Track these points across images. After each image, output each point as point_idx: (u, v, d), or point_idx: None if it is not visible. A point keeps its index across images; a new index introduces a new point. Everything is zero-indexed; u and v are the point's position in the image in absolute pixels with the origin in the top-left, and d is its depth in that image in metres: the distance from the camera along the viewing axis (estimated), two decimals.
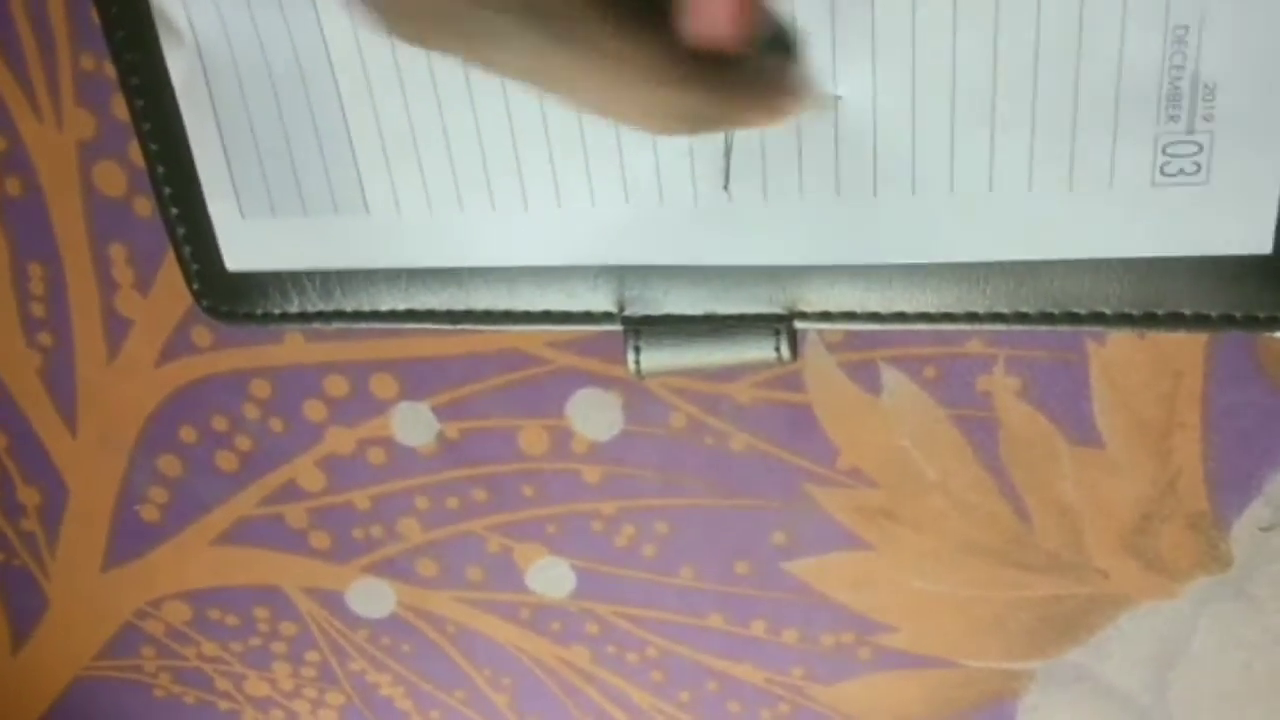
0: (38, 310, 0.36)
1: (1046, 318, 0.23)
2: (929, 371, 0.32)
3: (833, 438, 0.33)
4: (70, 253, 0.35)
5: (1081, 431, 0.32)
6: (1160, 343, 0.30)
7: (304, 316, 0.27)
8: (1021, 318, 0.24)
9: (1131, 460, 0.32)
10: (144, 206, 0.33)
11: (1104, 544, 0.33)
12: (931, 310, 0.24)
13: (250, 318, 0.27)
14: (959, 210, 0.22)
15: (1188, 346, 0.30)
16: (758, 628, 0.37)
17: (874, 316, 0.24)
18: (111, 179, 0.33)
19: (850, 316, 0.24)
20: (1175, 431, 0.31)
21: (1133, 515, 0.32)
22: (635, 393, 0.34)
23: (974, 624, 0.35)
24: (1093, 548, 0.33)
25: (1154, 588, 0.34)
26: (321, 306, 0.27)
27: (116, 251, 0.34)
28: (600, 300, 0.26)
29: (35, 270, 0.36)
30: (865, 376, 0.32)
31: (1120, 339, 0.30)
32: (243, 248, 0.26)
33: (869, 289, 0.24)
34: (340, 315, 0.27)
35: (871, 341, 0.32)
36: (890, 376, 0.32)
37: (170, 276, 0.34)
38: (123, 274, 0.35)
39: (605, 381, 0.34)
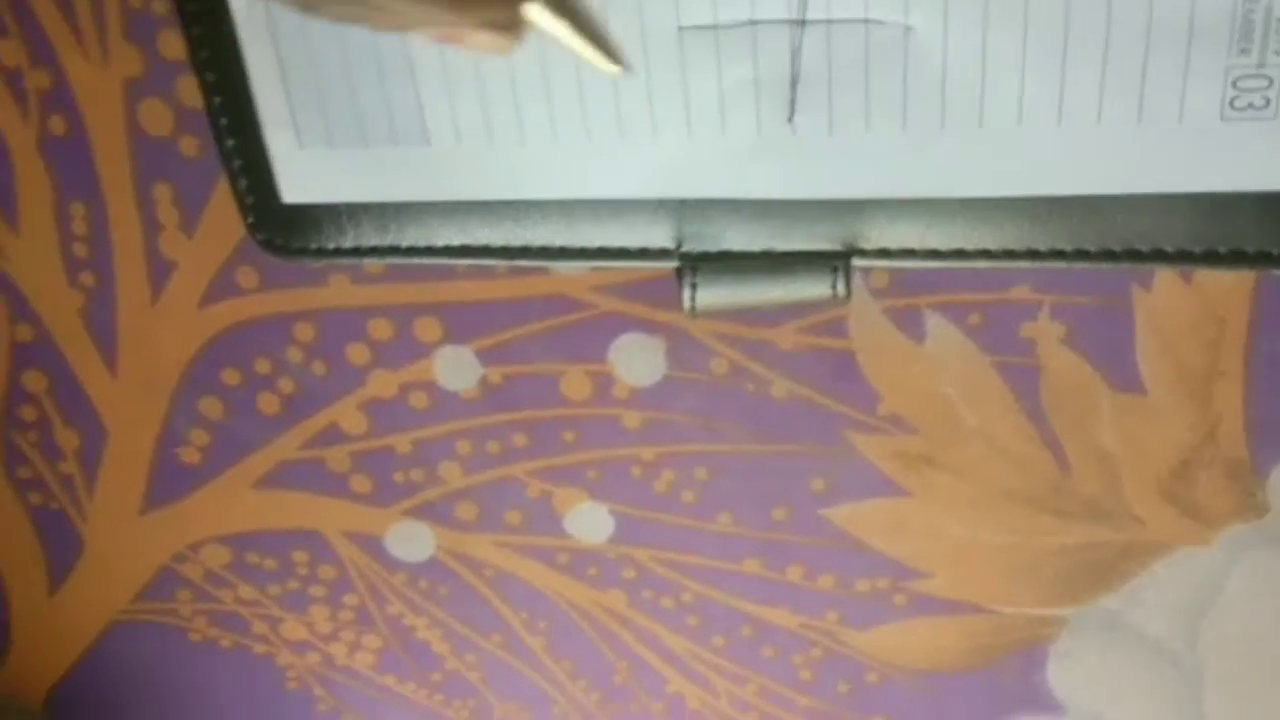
0: (80, 250, 0.36)
1: (1108, 255, 0.24)
2: (974, 318, 0.32)
3: (874, 384, 0.34)
4: (114, 193, 0.35)
5: (1124, 378, 0.32)
6: (1206, 289, 0.30)
7: (358, 251, 0.27)
8: (1082, 255, 0.24)
9: (1172, 407, 0.32)
10: (190, 146, 0.33)
11: (1141, 491, 0.33)
12: (992, 247, 0.24)
13: (304, 252, 0.27)
14: (1027, 144, 0.22)
15: (1233, 293, 0.30)
16: (794, 573, 0.38)
17: (933, 254, 0.24)
18: (158, 118, 0.33)
19: (909, 254, 0.25)
20: (1217, 379, 0.31)
21: (1171, 462, 0.33)
22: (678, 338, 0.34)
23: (1009, 570, 0.36)
24: (1130, 495, 0.34)
25: (1189, 534, 0.34)
26: (376, 241, 0.27)
27: (161, 192, 0.35)
28: (658, 236, 0.26)
29: (78, 210, 0.36)
30: (909, 323, 0.32)
31: (1167, 285, 0.30)
32: (300, 179, 0.26)
33: (930, 225, 0.24)
34: (395, 250, 0.27)
35: (917, 288, 0.32)
36: (934, 323, 0.32)
37: (215, 218, 0.35)
38: (167, 215, 0.35)
39: (649, 326, 0.34)
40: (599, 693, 0.42)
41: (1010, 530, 0.35)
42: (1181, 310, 0.30)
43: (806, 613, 0.38)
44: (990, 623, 0.37)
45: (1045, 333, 0.31)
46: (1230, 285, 0.30)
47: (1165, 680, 0.36)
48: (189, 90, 0.33)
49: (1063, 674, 0.37)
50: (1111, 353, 0.31)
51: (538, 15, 0.19)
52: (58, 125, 0.34)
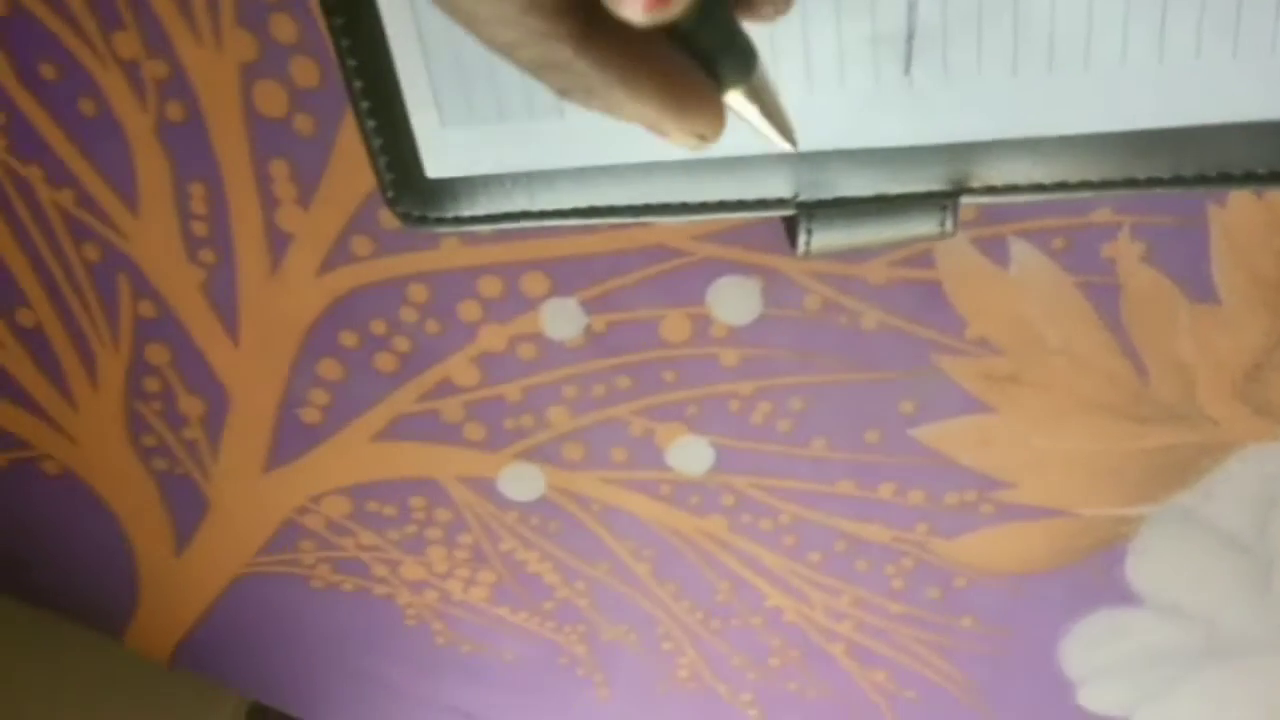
0: (199, 229, 0.38)
1: (1202, 180, 0.26)
2: (1057, 242, 0.34)
3: (961, 310, 0.36)
4: (231, 172, 0.37)
5: (1200, 290, 0.34)
6: (1277, 204, 0.32)
7: (491, 218, 0.29)
8: (1178, 181, 0.26)
9: (1246, 315, 0.34)
10: (305, 125, 0.35)
11: (1216, 394, 0.36)
12: (1093, 178, 0.26)
13: (442, 221, 0.29)
14: (1129, 81, 0.24)
15: None
16: (885, 491, 0.40)
17: (1038, 187, 0.26)
18: (272, 99, 0.35)
19: (1014, 189, 0.27)
20: None
21: (1245, 366, 0.35)
22: (773, 278, 0.36)
23: (1091, 475, 0.38)
24: (1205, 398, 0.36)
25: (1261, 431, 0.36)
26: (509, 207, 0.29)
27: (277, 169, 0.37)
28: (776, 187, 0.28)
29: (197, 190, 0.38)
30: (995, 250, 0.35)
31: (1241, 202, 0.32)
32: (442, 155, 0.28)
33: (1036, 161, 0.26)
34: (527, 215, 0.29)
35: (1002, 217, 0.34)
36: (1019, 249, 0.34)
37: (330, 191, 0.37)
38: (284, 190, 0.37)
39: (745, 269, 0.36)
40: (702, 611, 0.45)
41: (1091, 438, 0.37)
42: (1254, 224, 0.32)
43: (897, 526, 0.41)
44: (1072, 525, 0.40)
45: (1125, 252, 0.34)
46: None
47: (1237, 567, 0.39)
48: (302, 71, 0.34)
49: (1141, 568, 0.40)
50: (1188, 267, 0.34)
51: (736, 102, 0.20)
52: (175, 111, 0.36)
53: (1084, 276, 0.34)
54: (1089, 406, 0.37)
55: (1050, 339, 0.36)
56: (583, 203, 0.29)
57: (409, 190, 0.29)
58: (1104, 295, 0.35)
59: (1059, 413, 0.37)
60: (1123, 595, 0.41)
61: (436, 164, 0.29)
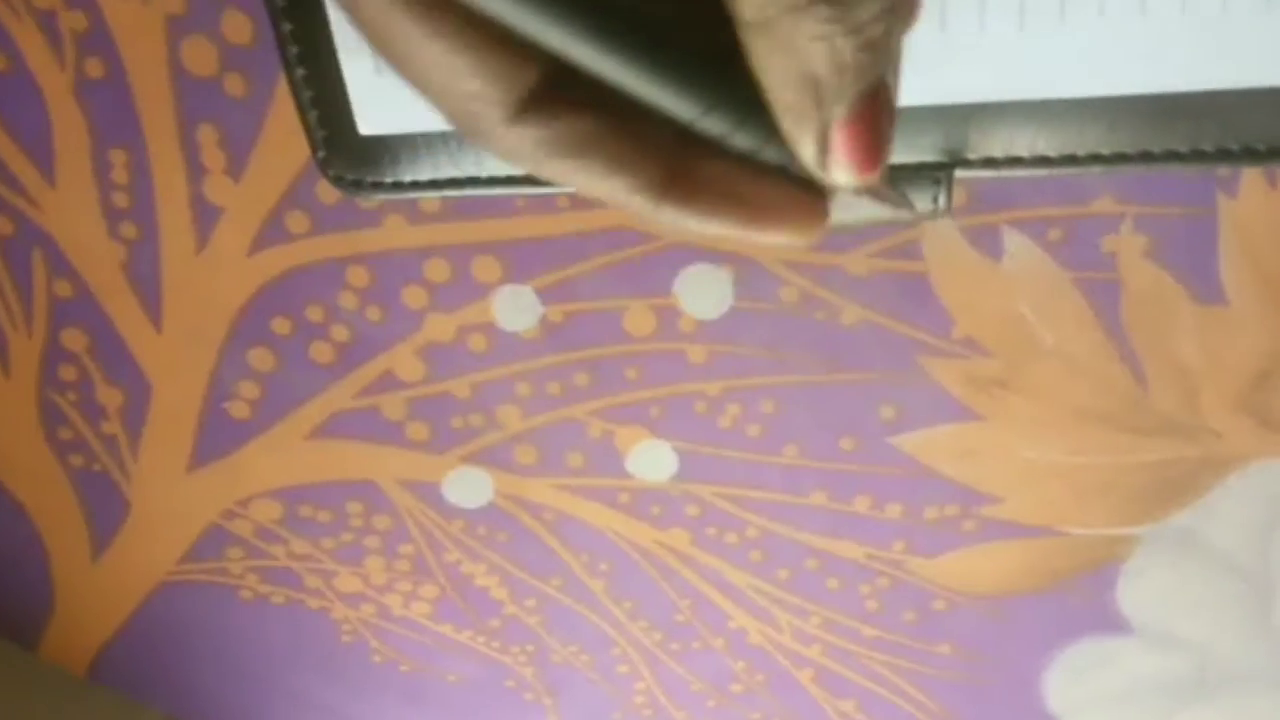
0: (121, 200, 0.35)
1: (1224, 156, 0.23)
2: (1053, 233, 0.31)
3: (948, 306, 0.33)
4: (156, 137, 0.34)
5: (1206, 289, 0.31)
6: None
7: (435, 184, 0.26)
8: (1198, 155, 0.23)
9: (1254, 317, 0.32)
10: (236, 85, 0.32)
11: (1220, 404, 0.33)
12: (1104, 151, 0.23)
13: (379, 186, 0.26)
14: (1150, 34, 0.22)
15: None
16: (861, 504, 0.37)
17: (1042, 160, 0.24)
18: (201, 56, 0.32)
19: (1016, 161, 0.24)
20: None
21: (1251, 373, 0.33)
22: (746, 267, 0.33)
23: (1082, 491, 0.36)
24: (1208, 408, 0.33)
25: (1266, 446, 0.34)
26: (453, 173, 0.26)
27: (206, 134, 0.33)
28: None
29: (118, 157, 0.34)
30: (986, 241, 0.32)
31: (1253, 191, 0.30)
32: (377, 108, 0.25)
33: (1039, 129, 0.23)
34: (474, 182, 0.26)
35: (995, 203, 0.31)
36: (1013, 240, 0.32)
37: (264, 160, 0.33)
38: (213, 158, 0.34)
39: (716, 257, 0.33)
40: (660, 632, 0.42)
41: (1084, 450, 0.35)
42: (1267, 218, 0.30)
43: (873, 543, 0.38)
44: (1061, 545, 0.37)
45: (1127, 245, 0.31)
46: None
47: (1236, 594, 0.37)
48: (235, 26, 0.31)
49: (1133, 593, 0.37)
50: (1194, 264, 0.31)
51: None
52: (94, 67, 0.33)
53: (1082, 272, 0.32)
54: (1082, 415, 0.34)
55: (1043, 340, 0.33)
56: None
57: (342, 150, 0.26)
58: (1103, 293, 0.32)
59: (1050, 421, 0.34)
60: (1112, 622, 0.38)
61: (370, 118, 0.25)
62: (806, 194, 0.17)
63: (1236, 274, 0.31)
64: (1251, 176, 0.30)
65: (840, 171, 0.16)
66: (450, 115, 0.17)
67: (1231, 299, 0.31)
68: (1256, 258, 0.31)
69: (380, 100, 0.25)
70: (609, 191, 0.17)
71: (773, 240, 0.18)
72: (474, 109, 0.16)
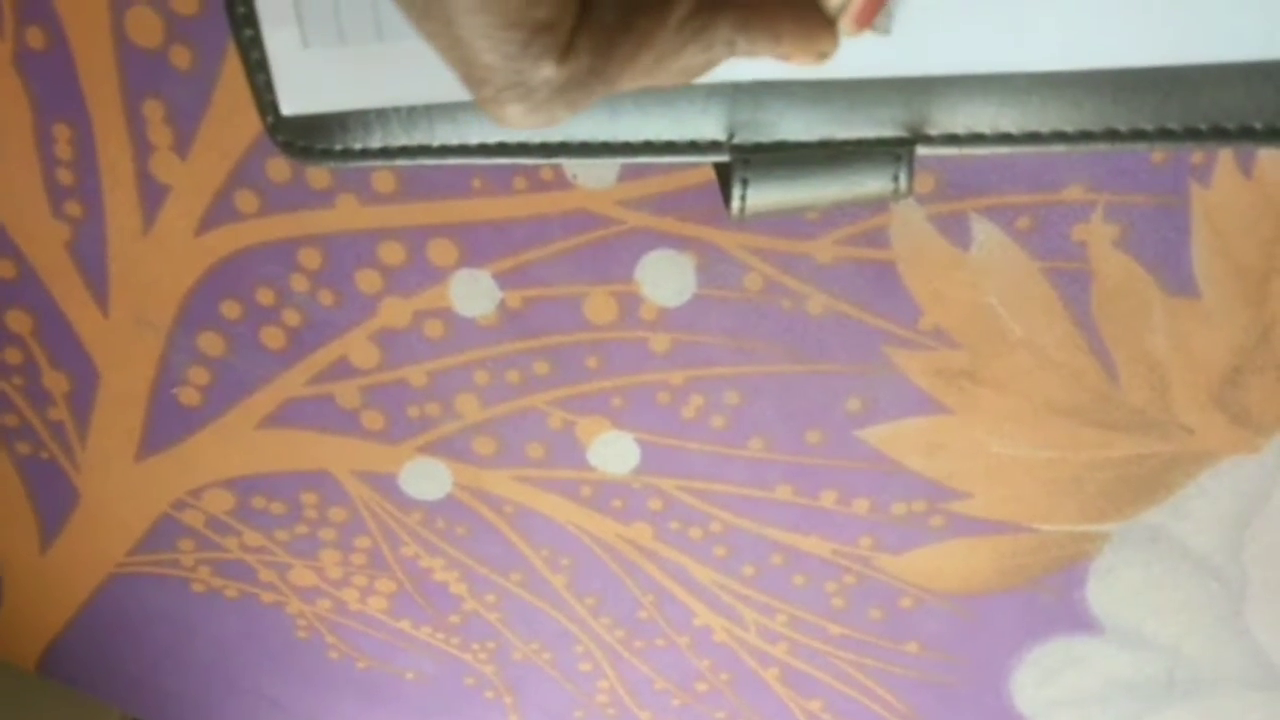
0: (65, 177, 0.34)
1: (1193, 134, 0.22)
2: (1023, 222, 0.31)
3: (916, 296, 0.32)
4: (100, 111, 0.33)
5: (1178, 281, 0.31)
6: (1266, 185, 0.29)
7: (386, 152, 0.25)
8: (1166, 135, 0.22)
9: (1226, 310, 0.31)
10: (182, 58, 0.31)
11: (1191, 399, 0.32)
12: (1069, 129, 0.23)
13: (329, 154, 0.25)
14: (1113, 8, 0.21)
15: None
16: (827, 499, 0.37)
17: (1005, 138, 0.23)
18: (146, 27, 0.31)
19: (978, 139, 0.23)
20: (1273, 278, 0.30)
21: (1223, 368, 0.32)
22: (710, 253, 0.32)
23: (1051, 487, 0.35)
24: (1179, 403, 0.33)
25: (1238, 442, 0.33)
26: (405, 141, 0.25)
27: (152, 109, 0.32)
28: (709, 127, 0.24)
29: (61, 132, 0.33)
30: (955, 229, 0.31)
31: (1227, 180, 0.29)
32: (303, 84, 0.24)
33: (1003, 105, 0.23)
34: (426, 151, 0.25)
35: (964, 190, 0.30)
36: (981, 229, 0.31)
37: (211, 136, 0.32)
38: (159, 134, 0.33)
39: (679, 242, 0.32)
40: (623, 629, 0.41)
41: (1054, 445, 0.34)
42: (1241, 207, 0.29)
43: (839, 539, 0.37)
44: (1030, 542, 0.36)
45: (1098, 235, 0.30)
46: None
47: (1207, 593, 0.36)
48: None
49: (1103, 591, 0.36)
50: (1166, 254, 0.30)
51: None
52: (35, 38, 0.32)
53: (1051, 262, 0.31)
54: (1052, 409, 0.33)
55: (1013, 331, 0.32)
56: (490, 138, 0.25)
57: (290, 117, 0.25)
58: (1073, 284, 0.31)
59: (1019, 415, 0.33)
60: (1081, 622, 0.38)
61: (294, 96, 0.24)
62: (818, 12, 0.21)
63: (1209, 265, 0.30)
64: (1225, 165, 0.29)
65: (848, 26, 0.21)
66: (490, 66, 0.17)
67: (1204, 290, 0.31)
68: (1229, 249, 0.30)
69: (306, 75, 0.24)
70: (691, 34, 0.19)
71: (805, 53, 0.21)
72: (530, 50, 0.17)
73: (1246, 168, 0.29)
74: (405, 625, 0.42)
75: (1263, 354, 0.31)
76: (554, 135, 0.25)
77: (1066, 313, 0.32)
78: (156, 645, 0.45)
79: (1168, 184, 0.29)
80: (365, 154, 0.25)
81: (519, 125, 0.19)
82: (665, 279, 0.33)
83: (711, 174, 0.31)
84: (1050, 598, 0.37)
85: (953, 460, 0.35)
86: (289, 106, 0.25)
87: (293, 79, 0.25)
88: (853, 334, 0.33)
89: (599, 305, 0.34)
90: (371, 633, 0.43)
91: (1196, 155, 0.29)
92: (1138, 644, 0.38)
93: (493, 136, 0.25)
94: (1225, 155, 0.29)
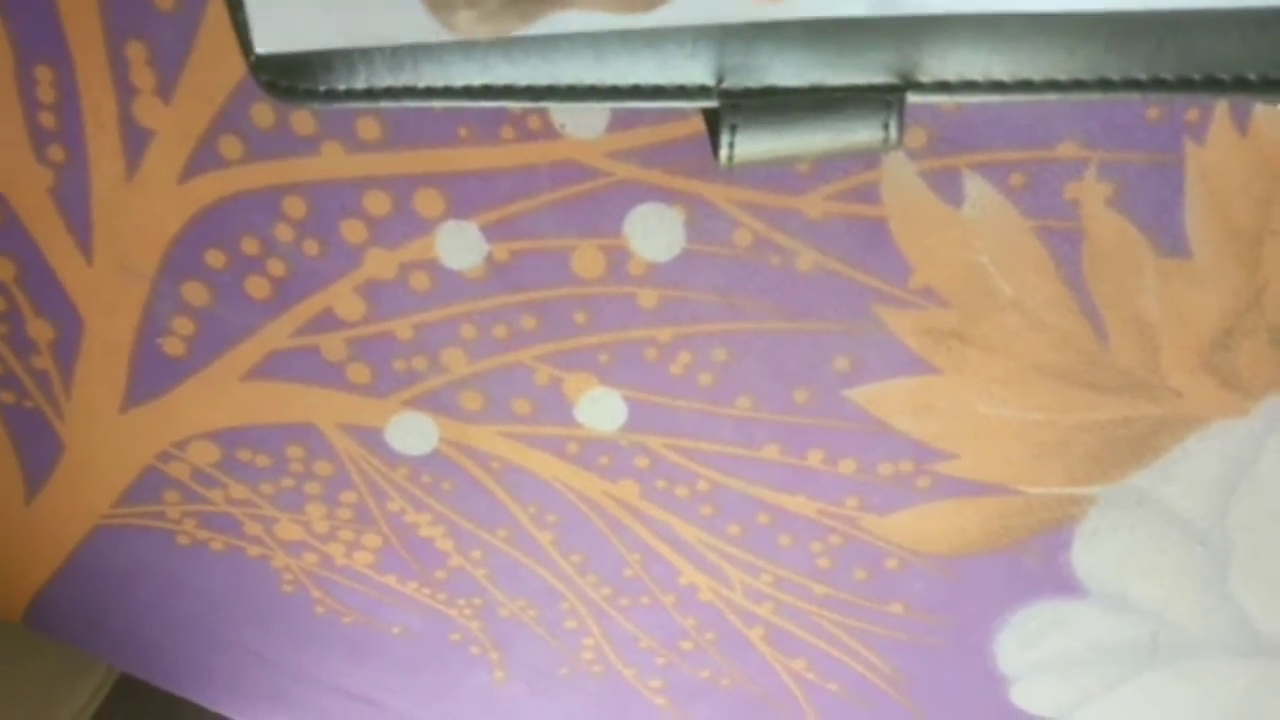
0: (47, 120, 0.33)
1: (1186, 84, 0.22)
2: (1015, 179, 0.30)
3: (907, 254, 0.32)
4: (83, 53, 0.32)
5: (1171, 241, 0.30)
6: (1262, 143, 0.29)
7: (371, 93, 0.25)
8: (1159, 84, 0.22)
9: (1219, 271, 0.31)
10: None
11: (1181, 361, 0.32)
12: (1061, 77, 0.22)
13: (313, 95, 0.25)
14: None
15: None
16: (814, 458, 0.36)
17: (997, 85, 0.23)
18: None
19: (970, 86, 0.23)
20: (1267, 240, 0.30)
21: (1214, 330, 0.32)
22: (699, 208, 0.32)
23: (1038, 449, 0.35)
24: (1169, 365, 0.32)
25: (1227, 406, 0.33)
26: (390, 81, 0.25)
27: (135, 51, 0.32)
28: (697, 71, 0.24)
29: (44, 74, 0.33)
30: (947, 186, 0.31)
31: (1222, 138, 0.29)
32: (279, 22, 0.24)
33: (994, 50, 0.22)
34: (411, 92, 0.25)
35: (957, 146, 0.30)
36: (974, 185, 0.30)
37: (195, 80, 0.32)
38: (142, 77, 0.32)
39: (668, 195, 0.32)
40: (609, 587, 0.41)
41: (1041, 407, 0.34)
42: (1236, 166, 0.29)
43: (826, 498, 0.37)
44: (1016, 504, 0.36)
45: (1090, 193, 0.30)
46: None
47: (1192, 558, 0.36)
48: None
49: (1088, 554, 0.36)
50: (1159, 213, 0.30)
51: None
52: None
53: (1043, 220, 0.31)
54: (1040, 370, 0.33)
55: (1003, 291, 0.32)
56: (476, 80, 0.24)
57: (274, 54, 0.25)
58: (1064, 243, 0.31)
59: (1007, 376, 0.33)
60: (1066, 584, 0.38)
61: (269, 34, 0.24)
62: None
63: (1202, 226, 0.30)
64: (1221, 123, 0.29)
65: None
66: None
67: (1196, 252, 0.30)
68: (1223, 209, 0.30)
69: (282, 13, 0.24)
70: None
71: None
72: None
73: (1242, 125, 0.28)
74: (391, 580, 0.42)
75: (1254, 317, 0.31)
76: (540, 78, 0.24)
77: (1058, 273, 0.31)
78: (142, 598, 0.45)
79: (1163, 141, 0.29)
80: (350, 95, 0.25)
81: (469, 32, 0.18)
82: (654, 233, 0.33)
83: (700, 126, 0.31)
84: (1035, 560, 0.37)
85: (940, 421, 0.35)
86: (264, 45, 0.25)
87: (268, 17, 0.25)
88: (842, 292, 0.33)
89: (587, 259, 0.33)
90: (357, 587, 0.43)
91: (1192, 112, 0.28)
92: (1122, 608, 0.38)
93: (478, 79, 0.24)
94: (1221, 112, 0.28)
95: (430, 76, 0.24)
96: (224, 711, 0.49)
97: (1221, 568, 0.36)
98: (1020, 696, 0.41)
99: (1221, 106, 0.29)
